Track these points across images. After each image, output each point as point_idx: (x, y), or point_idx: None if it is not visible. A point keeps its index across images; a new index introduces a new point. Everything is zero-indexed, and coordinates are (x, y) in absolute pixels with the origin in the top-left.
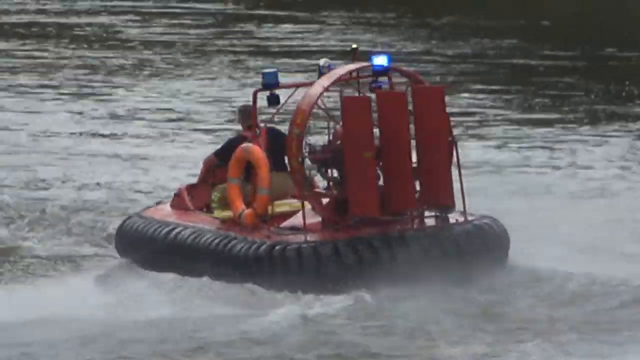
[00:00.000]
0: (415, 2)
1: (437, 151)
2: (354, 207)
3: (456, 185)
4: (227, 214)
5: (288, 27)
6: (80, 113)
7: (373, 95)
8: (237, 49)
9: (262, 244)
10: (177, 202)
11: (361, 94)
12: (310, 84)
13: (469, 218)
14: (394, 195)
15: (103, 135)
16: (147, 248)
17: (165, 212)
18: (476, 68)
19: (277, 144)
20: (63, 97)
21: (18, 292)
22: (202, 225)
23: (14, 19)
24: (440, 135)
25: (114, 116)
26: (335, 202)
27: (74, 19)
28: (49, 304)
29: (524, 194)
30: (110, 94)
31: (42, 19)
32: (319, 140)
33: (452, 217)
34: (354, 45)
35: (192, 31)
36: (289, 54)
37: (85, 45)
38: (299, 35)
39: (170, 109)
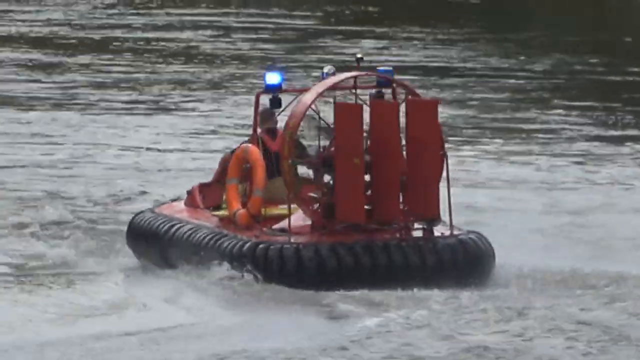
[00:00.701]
0: (495, 18)
1: (426, 163)
2: (339, 212)
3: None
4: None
5: (369, 42)
6: (165, 128)
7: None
8: (320, 64)
9: (247, 242)
10: (190, 200)
11: (358, 102)
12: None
13: (455, 232)
14: (380, 205)
15: (188, 150)
16: (150, 242)
17: (176, 208)
18: (566, 84)
19: None
20: (148, 111)
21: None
22: (202, 222)
23: (97, 34)
24: (431, 148)
25: (199, 131)
26: (325, 207)
27: (155, 34)
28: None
29: (607, 209)
30: (194, 109)
31: (125, 34)
32: (312, 144)
33: (439, 231)
34: (359, 55)
35: (272, 46)
36: (368, 70)
37: (170, 61)
38: (379, 51)
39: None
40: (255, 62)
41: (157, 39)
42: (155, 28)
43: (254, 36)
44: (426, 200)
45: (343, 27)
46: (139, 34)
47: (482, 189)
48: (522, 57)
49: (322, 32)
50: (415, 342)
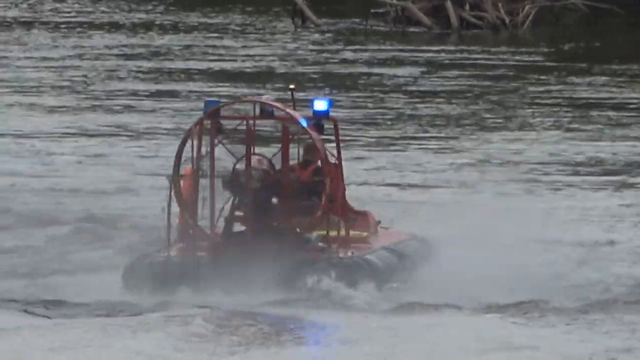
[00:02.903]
0: None
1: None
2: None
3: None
4: None
5: (597, 78)
6: (409, 166)
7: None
8: (541, 101)
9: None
10: None
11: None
12: (248, 117)
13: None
14: None
15: (416, 186)
16: None
17: None
18: None
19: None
20: (375, 148)
21: None
22: None
23: (312, 69)
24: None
25: (452, 166)
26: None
27: (371, 69)
28: None
29: None
30: (436, 147)
31: (342, 69)
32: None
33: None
34: (292, 86)
35: (486, 83)
36: (596, 106)
37: (392, 97)
38: (600, 88)
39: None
40: (472, 100)
41: (375, 74)
42: (371, 63)
43: (468, 72)
44: None
45: (566, 64)
46: (357, 69)
47: None
48: None
49: (545, 68)
50: None
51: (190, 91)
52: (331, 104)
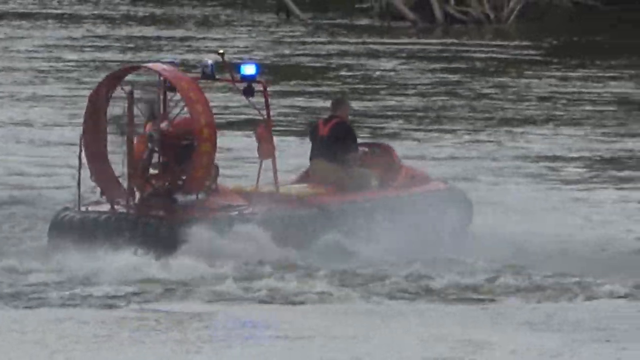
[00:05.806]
0: None
1: None
2: None
3: None
4: None
5: (586, 72)
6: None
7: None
8: (525, 94)
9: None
10: None
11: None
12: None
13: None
14: None
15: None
16: None
17: None
18: None
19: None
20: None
21: None
22: None
23: (293, 61)
24: None
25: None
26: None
27: (352, 61)
28: None
29: None
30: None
31: (317, 62)
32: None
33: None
34: (221, 51)
35: (471, 76)
36: (577, 100)
37: (371, 88)
38: (583, 81)
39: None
40: (449, 92)
41: (356, 67)
42: (353, 56)
43: (453, 66)
44: None
45: (549, 58)
46: (338, 62)
47: None
48: None
49: (529, 62)
50: None
51: None
52: (259, 67)
